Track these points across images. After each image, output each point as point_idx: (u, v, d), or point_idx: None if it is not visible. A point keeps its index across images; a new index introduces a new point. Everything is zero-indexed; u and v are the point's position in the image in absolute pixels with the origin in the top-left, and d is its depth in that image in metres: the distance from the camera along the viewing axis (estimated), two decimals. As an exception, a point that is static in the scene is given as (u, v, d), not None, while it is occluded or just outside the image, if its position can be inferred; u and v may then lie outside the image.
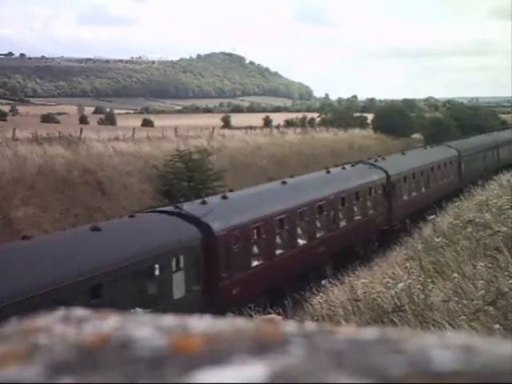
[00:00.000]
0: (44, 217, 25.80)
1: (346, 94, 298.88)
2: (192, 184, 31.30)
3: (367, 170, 27.70)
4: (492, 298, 8.39)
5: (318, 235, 21.81)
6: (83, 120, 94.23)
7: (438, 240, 13.89)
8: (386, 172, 28.14)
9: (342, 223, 23.69)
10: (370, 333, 0.71)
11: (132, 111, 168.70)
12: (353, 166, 28.08)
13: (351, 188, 24.75)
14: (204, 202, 18.27)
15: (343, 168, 27.16)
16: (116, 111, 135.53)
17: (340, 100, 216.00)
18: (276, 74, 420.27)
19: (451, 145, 40.85)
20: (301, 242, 20.73)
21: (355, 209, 25.02)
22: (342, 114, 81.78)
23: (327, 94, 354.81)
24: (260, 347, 0.67)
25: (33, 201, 26.22)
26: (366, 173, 27.18)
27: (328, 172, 25.74)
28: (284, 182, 22.49)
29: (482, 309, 8.22)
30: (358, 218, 25.00)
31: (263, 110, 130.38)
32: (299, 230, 20.80)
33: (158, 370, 0.64)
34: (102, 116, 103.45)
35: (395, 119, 64.44)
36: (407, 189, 30.53)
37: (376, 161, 29.74)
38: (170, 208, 17.96)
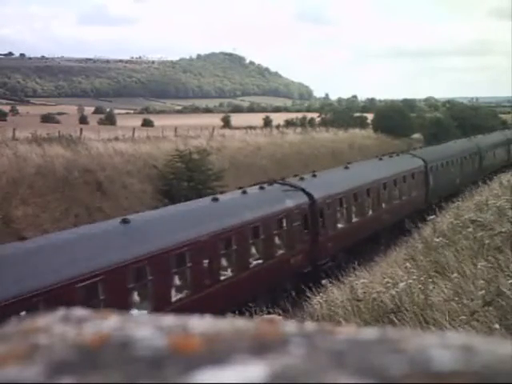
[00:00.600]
0: (44, 216, 25.82)
1: (346, 94, 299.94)
2: (192, 184, 31.36)
3: (280, 193, 20.77)
4: (491, 297, 8.40)
5: (178, 297, 15.08)
6: (83, 120, 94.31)
7: (437, 240, 13.89)
8: (310, 195, 21.54)
9: (227, 274, 17.02)
10: (370, 333, 0.71)
11: (132, 111, 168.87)
12: (262, 188, 20.97)
13: (245, 223, 17.86)
14: None
15: (244, 193, 20.04)
16: (116, 111, 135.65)
17: (340, 100, 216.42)
18: (276, 73, 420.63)
19: (416, 153, 33.77)
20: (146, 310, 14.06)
21: (252, 251, 18.37)
22: (342, 114, 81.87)
23: (327, 94, 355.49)
24: (260, 347, 0.67)
25: (32, 200, 26.24)
26: (278, 198, 20.36)
27: (215, 200, 18.57)
28: (125, 221, 14.96)
29: (481, 309, 8.22)
30: (255, 263, 18.33)
31: (263, 110, 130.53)
32: (136, 296, 13.96)
33: (157, 370, 0.64)
34: (102, 116, 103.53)
35: (395, 119, 64.51)
36: (344, 215, 23.94)
37: (301, 179, 23.03)
38: None
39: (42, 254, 12.59)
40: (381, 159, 31.09)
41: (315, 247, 21.30)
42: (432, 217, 18.28)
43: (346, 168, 27.37)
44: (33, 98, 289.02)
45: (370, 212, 26.10)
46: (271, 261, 18.95)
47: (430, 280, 10.70)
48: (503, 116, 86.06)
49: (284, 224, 19.93)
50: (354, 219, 24.62)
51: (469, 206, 19.30)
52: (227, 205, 18.41)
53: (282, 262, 19.51)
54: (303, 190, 21.62)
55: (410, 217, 27.73)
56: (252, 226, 18.29)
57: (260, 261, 18.49)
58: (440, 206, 23.75)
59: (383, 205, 27.31)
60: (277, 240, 19.65)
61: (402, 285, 10.27)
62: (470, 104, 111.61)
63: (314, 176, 24.18)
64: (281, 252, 19.66)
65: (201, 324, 0.75)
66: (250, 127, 62.16)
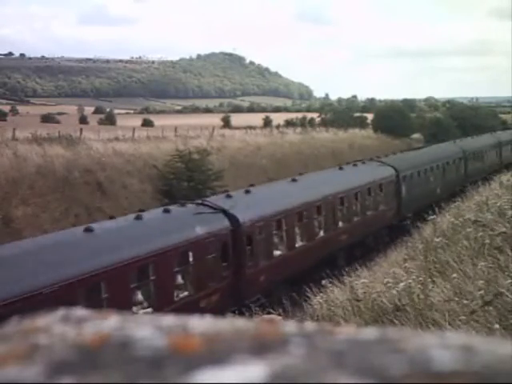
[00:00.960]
0: (44, 216, 25.82)
1: (345, 94, 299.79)
2: (192, 184, 31.38)
3: (190, 218, 16.70)
4: (490, 297, 8.40)
5: None
6: (83, 120, 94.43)
7: (438, 240, 13.89)
8: (234, 218, 17.58)
9: None
10: (370, 333, 0.71)
11: (132, 111, 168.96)
12: (166, 211, 16.90)
13: (125, 261, 13.78)
14: None
15: (138, 218, 15.80)
16: (116, 111, 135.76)
17: (340, 100, 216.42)
18: (276, 74, 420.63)
19: (386, 161, 29.44)
20: None
21: (138, 298, 14.46)
22: (342, 114, 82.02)
23: (327, 94, 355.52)
24: (260, 347, 0.67)
25: (32, 200, 26.24)
26: (184, 225, 16.35)
27: (88, 231, 14.18)
28: None
29: (481, 309, 8.23)
30: (143, 313, 12.13)
31: (263, 110, 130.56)
32: None
33: (158, 370, 0.64)
34: (102, 116, 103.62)
35: (395, 119, 64.61)
36: (284, 239, 19.94)
37: (228, 197, 19.00)
38: None
39: None
40: (341, 168, 26.93)
41: (240, 283, 17.35)
42: (432, 217, 18.28)
43: (294, 181, 22.96)
44: (33, 98, 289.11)
45: (322, 233, 22.04)
46: (168, 307, 14.74)
47: (430, 280, 10.70)
48: (503, 116, 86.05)
49: (190, 258, 15.89)
50: (299, 243, 20.60)
51: (469, 206, 19.30)
52: (103, 237, 14.17)
53: (186, 307, 15.03)
54: (225, 212, 17.54)
55: (378, 234, 25.48)
56: (138, 265, 14.16)
57: (149, 309, 14.40)
58: (416, 220, 22.19)
59: (340, 223, 23.31)
60: (178, 279, 15.64)
61: (401, 285, 10.27)
62: (470, 104, 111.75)
63: (247, 192, 20.15)
64: (184, 294, 15.72)
65: (201, 324, 0.75)
66: (250, 127, 62.23)
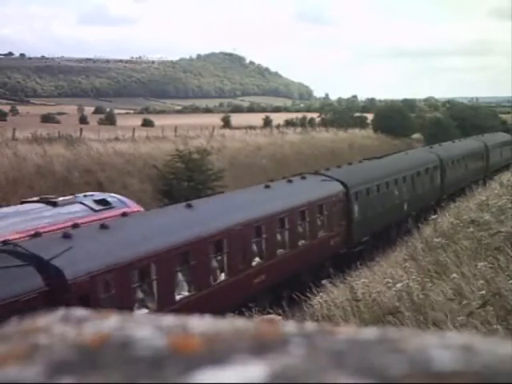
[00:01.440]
0: (44, 217, 25.81)
1: (346, 94, 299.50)
2: (192, 184, 31.40)
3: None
4: (488, 297, 8.40)
5: None
6: (83, 120, 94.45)
7: (438, 240, 13.90)
8: (55, 272, 11.86)
9: None
10: (370, 333, 0.71)
11: (132, 111, 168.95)
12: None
13: None
14: None
15: None
16: (116, 111, 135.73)
17: (340, 100, 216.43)
18: (276, 74, 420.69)
19: (333, 175, 23.50)
20: None
21: None
22: (342, 114, 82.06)
23: (327, 94, 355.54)
24: (260, 347, 0.67)
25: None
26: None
27: None
28: None
29: (481, 309, 8.22)
30: None
31: (263, 110, 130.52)
32: None
33: (158, 370, 0.64)
34: (102, 116, 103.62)
35: (395, 119, 64.66)
36: (154, 292, 13.92)
37: (65, 237, 12.91)
38: None
39: None
40: (268, 186, 20.54)
41: None
42: (434, 216, 18.30)
43: (188, 207, 16.65)
44: (33, 98, 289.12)
45: (223, 277, 16.41)
46: None
47: (429, 280, 10.70)
48: (503, 116, 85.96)
49: None
50: (182, 295, 14.85)
51: (469, 206, 19.31)
52: None
53: None
54: (39, 264, 11.87)
55: (318, 267, 19.79)
56: None
57: None
58: (375, 244, 21.21)
59: (255, 261, 17.80)
60: None
61: (399, 285, 10.27)
62: (470, 104, 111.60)
63: (104, 227, 13.87)
64: None
65: (201, 324, 0.75)
66: (250, 127, 62.25)
